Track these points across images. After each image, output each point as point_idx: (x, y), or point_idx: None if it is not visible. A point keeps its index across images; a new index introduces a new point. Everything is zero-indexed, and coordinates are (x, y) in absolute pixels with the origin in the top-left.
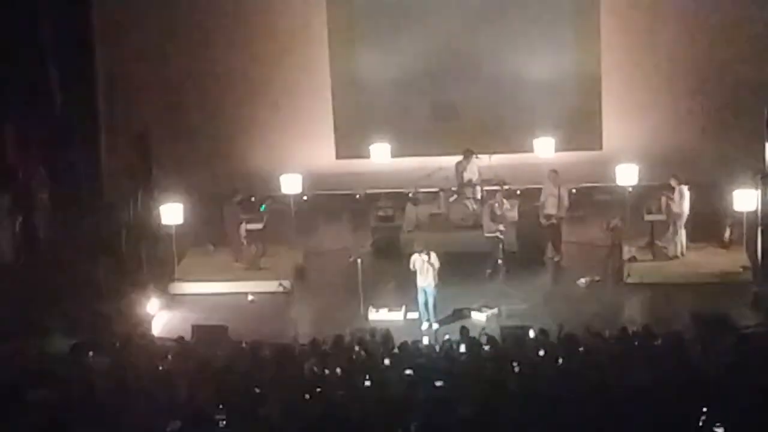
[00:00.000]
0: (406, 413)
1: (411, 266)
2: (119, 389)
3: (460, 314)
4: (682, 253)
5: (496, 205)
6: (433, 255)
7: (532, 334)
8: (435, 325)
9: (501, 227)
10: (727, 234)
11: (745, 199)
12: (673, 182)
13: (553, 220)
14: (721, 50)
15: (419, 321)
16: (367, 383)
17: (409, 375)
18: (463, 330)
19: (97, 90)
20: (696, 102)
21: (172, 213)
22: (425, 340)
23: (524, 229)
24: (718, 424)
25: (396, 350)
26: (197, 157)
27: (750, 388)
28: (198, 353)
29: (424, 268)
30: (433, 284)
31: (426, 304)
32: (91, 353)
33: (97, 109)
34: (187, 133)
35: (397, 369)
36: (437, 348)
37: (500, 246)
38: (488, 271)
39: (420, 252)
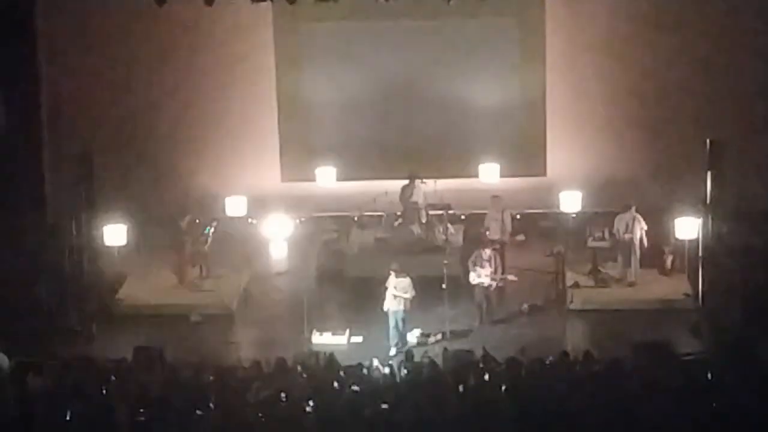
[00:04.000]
0: None
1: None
2: (59, 412)
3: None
4: (634, 281)
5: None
6: (408, 279)
7: (475, 357)
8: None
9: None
10: (669, 261)
11: (686, 227)
12: (630, 210)
13: (497, 246)
14: (664, 78)
15: (388, 345)
16: (310, 407)
17: (352, 397)
18: (408, 354)
19: (41, 110)
20: (639, 129)
21: (115, 234)
22: (374, 362)
23: (468, 254)
24: None
25: (340, 373)
26: (142, 178)
27: (690, 416)
28: (138, 376)
29: (400, 290)
30: (403, 308)
31: (397, 327)
32: (30, 374)
33: (41, 129)
34: (131, 154)
35: (342, 392)
36: (381, 371)
37: (444, 271)
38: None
39: (397, 273)
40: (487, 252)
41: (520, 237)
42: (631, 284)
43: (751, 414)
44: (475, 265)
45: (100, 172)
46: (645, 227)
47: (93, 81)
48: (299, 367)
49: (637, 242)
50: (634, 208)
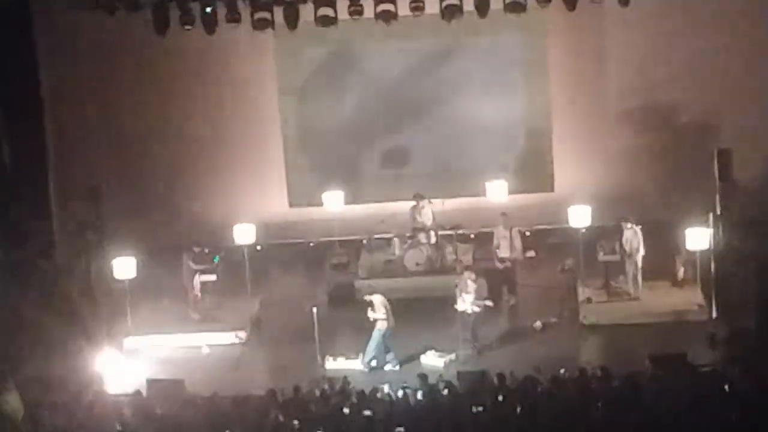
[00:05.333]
0: None
1: (377, 309)
2: None
3: (417, 359)
4: (638, 294)
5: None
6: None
7: (489, 377)
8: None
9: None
10: (680, 272)
11: (697, 238)
12: (624, 224)
13: (507, 263)
14: (669, 91)
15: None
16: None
17: (368, 421)
18: (422, 376)
19: (47, 145)
20: (646, 142)
21: (124, 267)
22: (385, 388)
23: (479, 273)
24: None
25: (354, 399)
26: (150, 209)
27: (708, 428)
28: (153, 409)
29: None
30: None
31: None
32: (46, 413)
33: (47, 165)
34: (138, 186)
35: (356, 417)
36: (396, 395)
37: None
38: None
39: (372, 294)
40: (472, 276)
41: (530, 253)
42: (634, 299)
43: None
44: (460, 290)
45: (108, 205)
46: (640, 239)
47: (98, 115)
48: (315, 393)
49: (636, 256)
50: (629, 223)
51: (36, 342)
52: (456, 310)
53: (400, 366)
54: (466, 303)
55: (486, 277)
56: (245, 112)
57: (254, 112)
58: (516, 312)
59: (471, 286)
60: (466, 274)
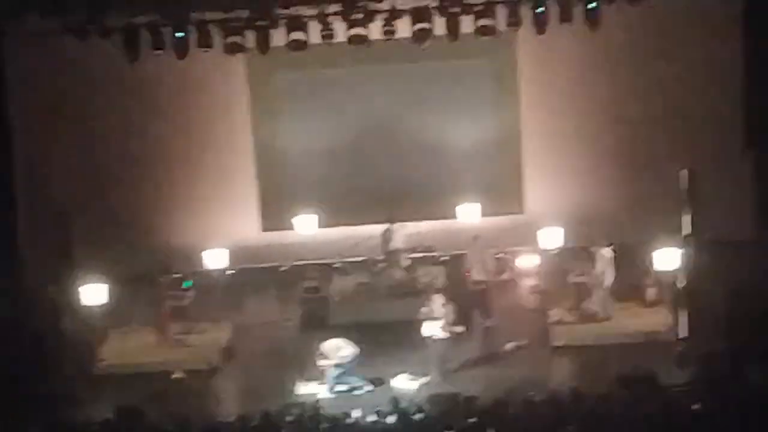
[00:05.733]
0: None
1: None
2: None
3: (389, 383)
4: (609, 315)
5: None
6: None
7: (460, 400)
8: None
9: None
10: (650, 294)
11: (666, 259)
12: (594, 247)
13: (483, 286)
14: (638, 112)
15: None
16: None
17: None
18: (394, 401)
19: (15, 172)
20: (615, 163)
21: (94, 293)
22: (356, 413)
23: (451, 296)
24: None
25: (325, 423)
26: (120, 234)
27: None
28: None
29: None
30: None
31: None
32: None
33: (14, 191)
34: (108, 212)
35: None
36: (367, 419)
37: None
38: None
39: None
40: (440, 301)
41: (506, 275)
42: (605, 320)
43: None
44: (428, 315)
45: (77, 230)
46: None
47: (66, 139)
48: (286, 419)
49: (606, 277)
50: (596, 245)
51: (4, 368)
52: (422, 335)
53: (371, 389)
54: (435, 328)
55: (458, 301)
56: (217, 136)
57: (226, 136)
58: (489, 334)
59: (440, 310)
60: (435, 298)
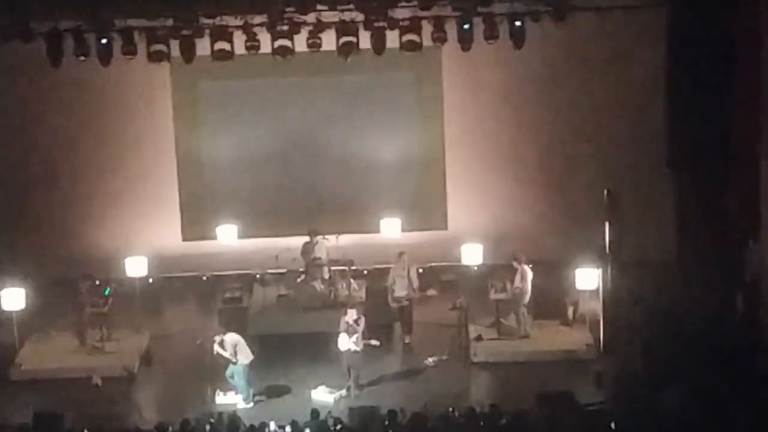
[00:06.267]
0: None
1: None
2: None
3: (308, 395)
4: (526, 332)
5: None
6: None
7: (380, 414)
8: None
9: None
10: (570, 312)
11: (587, 278)
12: (514, 263)
13: (404, 302)
14: (561, 129)
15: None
16: None
17: None
18: (313, 413)
19: None
20: (538, 181)
21: (13, 298)
22: (272, 424)
23: (372, 310)
24: None
25: None
26: (40, 239)
27: None
28: None
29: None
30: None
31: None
32: None
33: None
34: (28, 214)
35: None
36: (284, 430)
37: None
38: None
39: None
40: (353, 315)
41: (432, 291)
42: (524, 337)
43: None
44: (343, 329)
45: None
46: (529, 278)
47: None
48: (204, 428)
49: (523, 295)
50: (516, 261)
51: None
52: (338, 348)
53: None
54: (349, 341)
55: (379, 315)
56: (140, 145)
57: (149, 144)
58: (409, 350)
59: (353, 325)
60: (350, 312)
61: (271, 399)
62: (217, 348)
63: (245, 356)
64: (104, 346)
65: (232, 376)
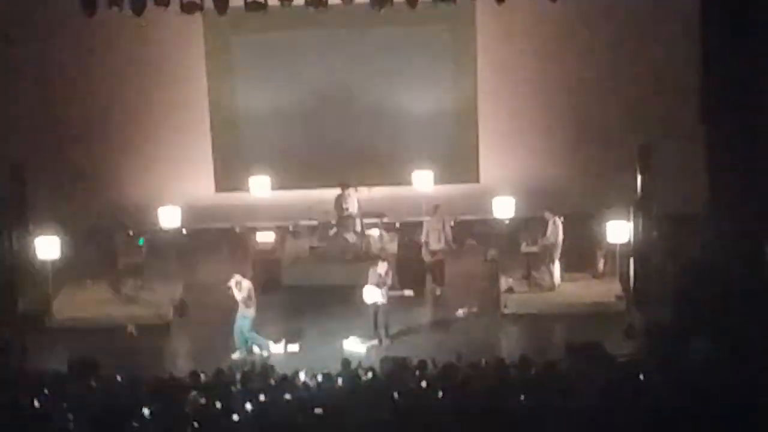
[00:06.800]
0: None
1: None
2: None
3: (339, 345)
4: (557, 285)
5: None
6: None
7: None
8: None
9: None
10: (600, 264)
11: (618, 231)
12: (546, 215)
13: (439, 256)
14: (594, 83)
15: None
16: (248, 414)
17: (288, 403)
18: (344, 363)
19: None
20: (570, 135)
21: (48, 246)
22: (304, 373)
23: (403, 262)
24: None
25: (274, 382)
26: (75, 190)
27: (623, 416)
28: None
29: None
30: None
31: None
32: None
33: None
34: (63, 166)
35: (277, 400)
36: (317, 379)
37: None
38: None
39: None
40: (383, 267)
41: (471, 241)
42: (554, 289)
43: (682, 413)
44: (368, 282)
45: (32, 184)
46: (560, 231)
47: (23, 93)
48: (236, 376)
49: (555, 247)
50: (547, 213)
51: None
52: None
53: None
54: (377, 293)
55: (411, 267)
56: (173, 95)
57: (182, 95)
58: (440, 302)
59: (384, 277)
60: (381, 264)
61: (302, 349)
62: (233, 288)
63: (254, 308)
64: (139, 295)
65: (240, 332)
